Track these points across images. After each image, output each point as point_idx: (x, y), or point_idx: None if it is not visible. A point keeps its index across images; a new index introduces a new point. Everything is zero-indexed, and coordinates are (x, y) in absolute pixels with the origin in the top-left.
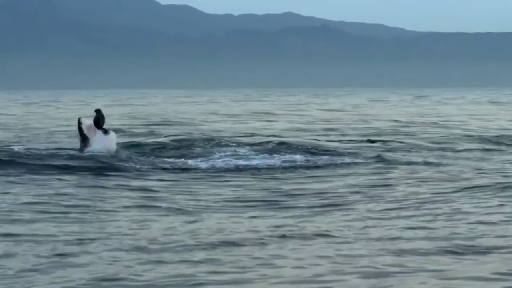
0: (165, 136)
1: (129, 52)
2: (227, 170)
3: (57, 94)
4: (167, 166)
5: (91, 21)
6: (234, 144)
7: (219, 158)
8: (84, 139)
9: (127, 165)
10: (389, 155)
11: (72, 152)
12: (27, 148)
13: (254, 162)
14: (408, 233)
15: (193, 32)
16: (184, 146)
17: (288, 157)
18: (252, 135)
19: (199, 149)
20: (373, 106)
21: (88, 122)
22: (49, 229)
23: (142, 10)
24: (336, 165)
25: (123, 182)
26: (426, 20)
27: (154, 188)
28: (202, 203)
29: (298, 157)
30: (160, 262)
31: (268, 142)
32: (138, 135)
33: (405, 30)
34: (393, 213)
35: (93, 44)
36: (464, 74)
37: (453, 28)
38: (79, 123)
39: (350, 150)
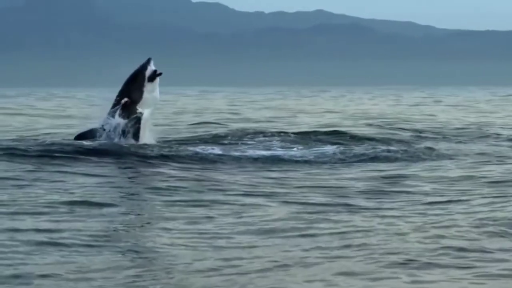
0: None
1: (159, 51)
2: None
3: (86, 91)
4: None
5: (119, 19)
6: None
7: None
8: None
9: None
10: None
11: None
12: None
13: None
14: None
15: (223, 30)
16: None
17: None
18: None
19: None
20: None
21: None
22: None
23: (173, 8)
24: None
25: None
26: (457, 18)
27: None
28: None
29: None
30: None
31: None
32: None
33: (435, 28)
34: None
35: (121, 43)
36: (495, 73)
37: (484, 26)
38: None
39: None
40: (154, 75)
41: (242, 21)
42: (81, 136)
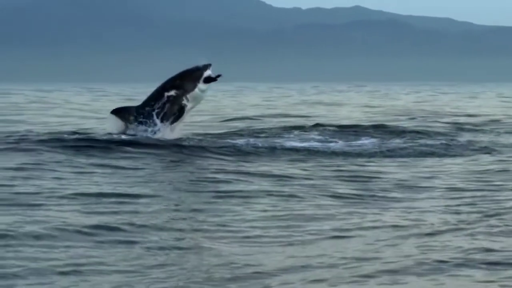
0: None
1: (195, 46)
2: None
3: (122, 87)
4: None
5: (157, 15)
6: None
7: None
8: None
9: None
10: None
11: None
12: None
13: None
14: None
15: (261, 26)
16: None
17: None
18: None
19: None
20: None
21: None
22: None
23: (209, 4)
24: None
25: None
26: (495, 13)
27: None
28: None
29: None
30: None
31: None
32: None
33: (473, 24)
34: None
35: (158, 39)
36: None
37: None
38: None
39: None
40: (210, 79)
41: (279, 17)
42: (118, 111)
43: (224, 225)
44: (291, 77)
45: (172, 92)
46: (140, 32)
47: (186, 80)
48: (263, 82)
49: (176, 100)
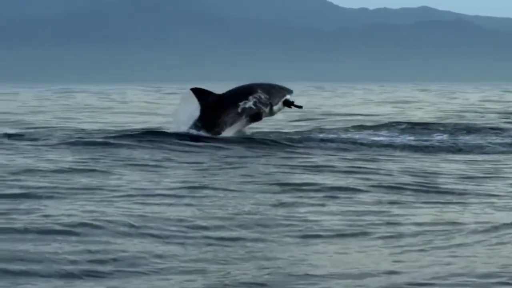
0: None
1: (264, 46)
2: None
3: (186, 85)
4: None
5: (225, 15)
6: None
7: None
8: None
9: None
10: None
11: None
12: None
13: None
14: None
15: (328, 26)
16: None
17: None
18: None
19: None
20: None
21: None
22: None
23: (278, 4)
24: None
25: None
26: None
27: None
28: None
29: None
30: None
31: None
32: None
33: None
34: None
35: (227, 39)
36: None
37: None
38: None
39: None
40: (289, 103)
41: (346, 17)
42: (198, 90)
43: (306, 220)
44: (357, 77)
45: (261, 97)
46: (208, 32)
47: (275, 92)
48: (329, 82)
49: (260, 105)
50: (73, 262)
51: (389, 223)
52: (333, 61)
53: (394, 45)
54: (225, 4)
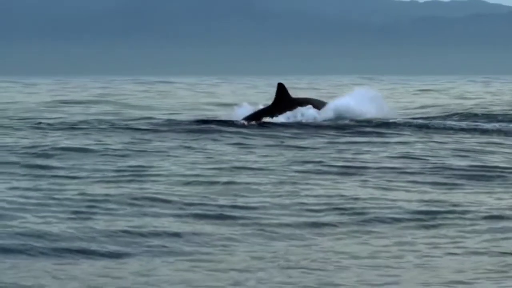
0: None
1: (313, 39)
2: None
3: (227, 79)
4: None
5: (275, 8)
6: None
7: None
8: None
9: None
10: None
11: None
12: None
13: None
14: None
15: (378, 19)
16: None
17: None
18: None
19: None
20: None
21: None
22: None
23: None
24: None
25: None
26: None
27: None
28: None
29: None
30: None
31: None
32: None
33: None
34: None
35: (274, 31)
36: None
37: None
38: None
39: None
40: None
41: (397, 11)
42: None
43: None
44: (409, 70)
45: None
46: (258, 25)
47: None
48: (379, 75)
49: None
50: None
51: None
52: (383, 55)
53: (445, 37)
54: None
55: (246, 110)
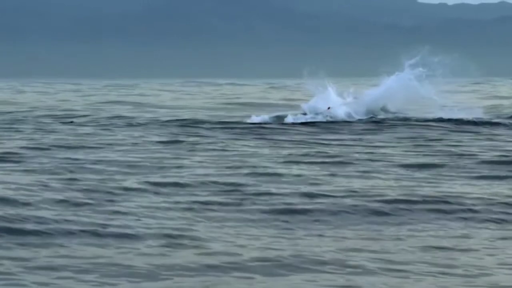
0: None
1: (337, 41)
2: None
3: (270, 82)
4: None
5: (300, 8)
6: None
7: None
8: None
9: None
10: None
11: None
12: None
13: None
14: None
15: (406, 22)
16: None
17: None
18: None
19: None
20: None
21: None
22: None
23: None
24: None
25: None
26: None
27: None
28: None
29: None
30: None
31: None
32: None
33: None
34: None
35: (300, 32)
36: None
37: None
38: None
39: None
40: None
41: (425, 13)
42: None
43: None
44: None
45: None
46: (284, 26)
47: None
48: None
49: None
50: None
51: None
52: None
53: (473, 40)
54: None
55: None
